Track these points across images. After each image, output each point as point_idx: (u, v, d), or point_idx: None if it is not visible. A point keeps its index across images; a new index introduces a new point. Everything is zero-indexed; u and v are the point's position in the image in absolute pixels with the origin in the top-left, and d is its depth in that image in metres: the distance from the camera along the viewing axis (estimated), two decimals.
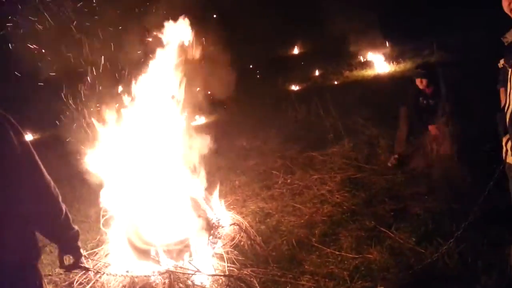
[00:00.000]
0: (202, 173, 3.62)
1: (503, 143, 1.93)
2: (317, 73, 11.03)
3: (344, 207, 3.62)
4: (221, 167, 5.24)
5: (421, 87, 4.27)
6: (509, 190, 2.00)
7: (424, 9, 11.31)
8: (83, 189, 5.11)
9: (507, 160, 1.91)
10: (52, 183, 1.57)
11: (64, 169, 4.67)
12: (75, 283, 3.21)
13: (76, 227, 1.73)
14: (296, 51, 15.92)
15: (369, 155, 4.66)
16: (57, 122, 3.93)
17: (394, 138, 4.53)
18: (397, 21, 10.73)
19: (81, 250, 1.83)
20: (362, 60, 10.80)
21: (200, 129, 4.80)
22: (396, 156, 4.30)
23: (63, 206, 1.61)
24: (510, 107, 1.84)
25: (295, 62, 13.09)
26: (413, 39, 10.25)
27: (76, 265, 1.83)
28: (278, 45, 14.83)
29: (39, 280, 1.57)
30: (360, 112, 6.06)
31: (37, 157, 1.52)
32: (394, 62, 9.85)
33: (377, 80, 8.93)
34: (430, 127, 4.21)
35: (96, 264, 3.11)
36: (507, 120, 1.86)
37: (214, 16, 5.70)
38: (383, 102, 6.13)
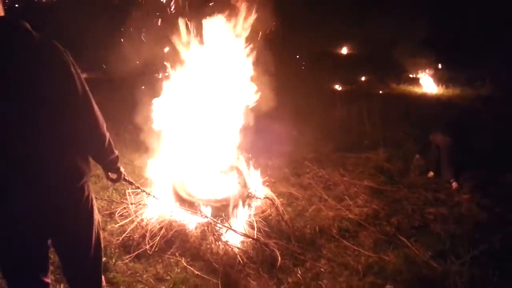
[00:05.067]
0: (245, 145, 3.91)
1: None
2: (363, 78, 11.05)
3: (368, 210, 3.83)
4: (257, 146, 5.49)
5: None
6: None
7: (485, 38, 11.06)
8: (127, 133, 5.51)
9: None
10: (100, 115, 1.76)
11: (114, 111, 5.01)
12: (116, 213, 3.60)
13: (116, 152, 1.96)
14: (344, 51, 15.86)
15: (402, 170, 4.81)
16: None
17: (429, 158, 4.68)
18: (454, 44, 10.57)
19: (122, 169, 2.09)
20: (411, 76, 10.74)
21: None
22: (432, 173, 4.47)
23: (107, 134, 1.83)
24: None
25: (342, 62, 13.10)
26: (468, 65, 10.09)
27: (120, 179, 2.11)
28: (328, 41, 14.82)
29: (86, 197, 1.80)
30: (402, 126, 6.17)
31: (90, 94, 1.70)
32: (443, 85, 9.78)
33: (423, 99, 8.93)
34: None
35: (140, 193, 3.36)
36: None
37: None
38: (426, 121, 6.20)
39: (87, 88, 1.70)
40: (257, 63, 3.80)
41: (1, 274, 1.87)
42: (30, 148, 1.59)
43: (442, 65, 10.82)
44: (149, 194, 3.12)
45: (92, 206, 1.85)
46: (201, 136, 3.55)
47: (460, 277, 2.82)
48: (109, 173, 2.09)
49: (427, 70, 10.30)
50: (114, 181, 2.12)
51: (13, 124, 1.56)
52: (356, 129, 6.32)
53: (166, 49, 3.70)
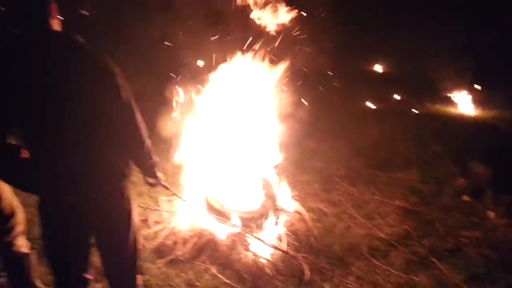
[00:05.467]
0: (276, 158, 3.98)
1: None
2: (397, 96, 10.91)
3: (400, 231, 3.78)
4: (287, 159, 5.55)
5: None
6: None
7: None
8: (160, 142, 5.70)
9: None
10: (142, 122, 1.91)
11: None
12: (149, 219, 3.74)
13: (155, 158, 2.09)
14: (379, 68, 15.76)
15: (435, 191, 4.72)
16: None
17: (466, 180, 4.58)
18: (495, 64, 10.28)
19: (160, 174, 2.20)
20: (447, 96, 10.50)
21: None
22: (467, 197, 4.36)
23: (148, 141, 1.97)
24: None
25: (375, 80, 13.02)
26: (506, 89, 9.78)
27: (158, 183, 2.22)
28: (362, 58, 14.79)
29: (126, 197, 1.96)
30: (436, 147, 6.05)
31: (134, 103, 1.86)
32: (481, 107, 9.50)
33: (459, 120, 8.70)
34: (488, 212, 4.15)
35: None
36: None
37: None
38: (461, 143, 6.07)
39: (131, 98, 1.85)
40: (291, 78, 3.91)
41: (50, 269, 2.02)
42: (78, 152, 1.77)
43: (480, 85, 10.53)
44: (182, 199, 3.24)
45: (130, 207, 1.99)
46: (234, 148, 3.65)
47: None
48: (147, 178, 2.20)
49: (463, 90, 10.04)
50: (152, 185, 2.24)
51: (65, 131, 1.75)
52: (388, 147, 6.24)
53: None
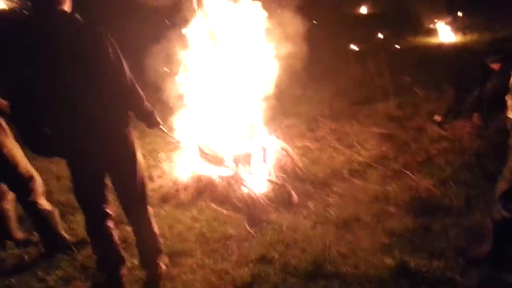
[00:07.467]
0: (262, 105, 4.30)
1: (505, 100, 2.36)
2: (380, 35, 11.03)
3: (378, 153, 4.19)
4: (274, 108, 5.88)
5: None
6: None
7: None
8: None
9: (507, 115, 2.36)
10: (133, 81, 2.25)
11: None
12: (153, 174, 4.15)
13: (152, 109, 2.43)
14: (364, 10, 15.68)
15: (411, 115, 5.08)
16: None
17: (439, 103, 4.91)
18: None
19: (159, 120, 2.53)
20: (428, 27, 10.61)
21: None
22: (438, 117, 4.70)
23: (142, 95, 2.32)
24: None
25: (361, 22, 13.05)
26: (486, 9, 9.85)
27: (159, 124, 2.55)
28: (347, 1, 14.75)
29: (130, 141, 2.35)
30: (414, 76, 6.35)
31: (124, 64, 2.16)
32: (462, 33, 9.64)
33: (440, 49, 8.90)
34: (474, 115, 4.41)
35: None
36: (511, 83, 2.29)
37: None
38: (439, 69, 6.34)
39: (123, 60, 2.18)
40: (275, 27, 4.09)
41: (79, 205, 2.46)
42: (87, 106, 2.17)
43: (460, 11, 10.59)
44: (179, 142, 3.60)
45: (135, 148, 2.38)
46: (222, 97, 3.95)
47: (456, 198, 3.17)
48: (150, 125, 2.53)
49: (444, 19, 10.13)
50: (150, 126, 2.54)
51: (73, 91, 2.13)
52: (369, 84, 6.54)
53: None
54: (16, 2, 12.54)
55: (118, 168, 2.37)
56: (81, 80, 2.12)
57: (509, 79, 2.25)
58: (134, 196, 2.44)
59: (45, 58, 2.08)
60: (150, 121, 2.49)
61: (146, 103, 2.39)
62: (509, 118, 2.31)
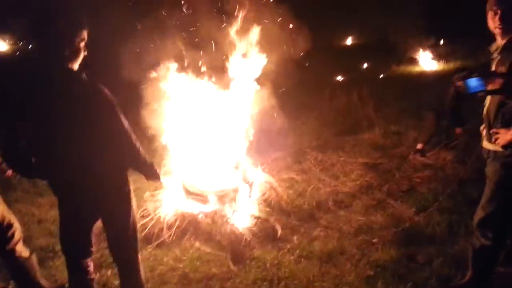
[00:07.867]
0: (247, 140, 4.34)
1: (481, 130, 2.42)
2: (365, 65, 11.33)
3: (362, 183, 4.20)
4: (261, 140, 5.92)
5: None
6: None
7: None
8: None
9: (483, 145, 2.41)
10: (133, 135, 2.29)
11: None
12: (137, 214, 4.11)
13: (151, 161, 2.45)
14: (349, 41, 16.18)
15: (395, 144, 5.14)
16: None
17: (421, 130, 4.98)
18: (452, 19, 10.68)
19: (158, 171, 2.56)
20: (411, 56, 10.91)
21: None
22: (420, 145, 4.76)
23: (141, 150, 2.35)
24: (486, 104, 2.35)
25: (346, 53, 13.44)
26: (468, 38, 10.17)
27: (159, 177, 2.57)
28: (333, 34, 15.21)
29: (127, 191, 2.37)
30: (398, 104, 6.47)
31: (123, 119, 2.23)
32: (443, 60, 9.91)
33: (422, 77, 9.11)
34: (457, 129, 4.57)
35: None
36: (484, 113, 2.37)
37: None
38: (421, 97, 6.45)
39: (122, 119, 2.24)
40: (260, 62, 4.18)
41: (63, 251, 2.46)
42: (86, 161, 2.19)
43: (443, 41, 10.92)
44: (168, 187, 3.62)
45: (130, 198, 2.40)
46: (205, 135, 3.98)
47: (440, 226, 3.16)
48: (149, 178, 2.55)
49: (426, 48, 10.44)
50: (150, 179, 2.56)
51: (74, 146, 2.17)
52: (355, 113, 6.65)
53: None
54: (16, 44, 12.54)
55: (112, 213, 2.38)
56: (82, 135, 2.16)
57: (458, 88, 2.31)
58: (126, 241, 2.43)
59: (45, 112, 2.13)
60: (149, 174, 2.50)
61: (144, 156, 2.41)
62: (484, 148, 2.35)
